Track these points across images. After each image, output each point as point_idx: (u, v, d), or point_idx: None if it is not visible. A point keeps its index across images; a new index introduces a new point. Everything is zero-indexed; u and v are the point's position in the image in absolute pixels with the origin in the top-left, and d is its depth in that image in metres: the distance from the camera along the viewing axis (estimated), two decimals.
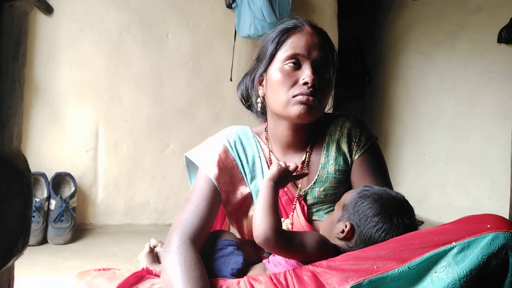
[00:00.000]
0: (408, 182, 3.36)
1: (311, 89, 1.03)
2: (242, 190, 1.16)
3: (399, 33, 3.62)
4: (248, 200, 1.17)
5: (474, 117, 2.98)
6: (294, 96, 1.04)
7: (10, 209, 0.38)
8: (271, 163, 1.17)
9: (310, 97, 1.03)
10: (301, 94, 1.04)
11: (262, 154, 1.18)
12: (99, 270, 1.05)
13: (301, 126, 1.12)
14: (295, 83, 1.05)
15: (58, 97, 2.35)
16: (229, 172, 1.16)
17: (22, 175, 0.39)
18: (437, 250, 0.79)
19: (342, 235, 0.98)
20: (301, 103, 1.04)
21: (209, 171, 1.13)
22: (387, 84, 3.70)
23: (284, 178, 1.05)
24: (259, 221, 0.96)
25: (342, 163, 1.13)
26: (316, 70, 1.05)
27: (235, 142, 1.19)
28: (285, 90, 1.05)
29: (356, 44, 4.08)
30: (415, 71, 3.40)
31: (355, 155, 1.13)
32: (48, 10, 2.27)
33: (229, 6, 2.59)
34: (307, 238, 0.96)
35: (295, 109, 1.05)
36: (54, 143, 2.34)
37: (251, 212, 1.18)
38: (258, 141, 1.20)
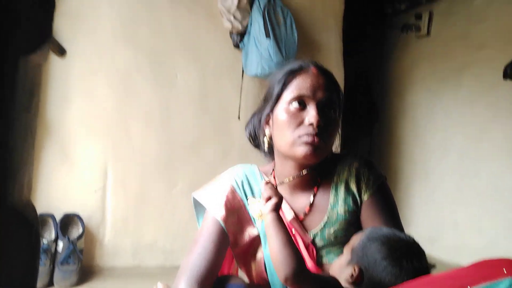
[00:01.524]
0: (418, 221, 3.30)
1: (316, 129, 1.04)
2: (250, 231, 1.15)
3: (404, 70, 3.66)
4: (256, 241, 1.15)
5: (483, 153, 2.96)
6: (299, 137, 1.04)
7: (18, 259, 0.38)
8: None
9: (315, 138, 1.04)
10: (307, 134, 1.04)
11: None
12: None
13: (307, 166, 1.11)
14: (300, 123, 1.05)
15: (68, 136, 2.38)
16: (237, 213, 1.15)
17: (31, 226, 0.39)
18: None
19: (351, 279, 0.95)
20: (307, 143, 1.04)
21: (216, 212, 1.12)
22: (394, 121, 3.70)
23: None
24: (279, 264, 0.94)
25: (351, 203, 1.11)
26: (321, 110, 1.06)
27: (242, 182, 1.18)
28: (290, 131, 1.06)
29: (362, 81, 4.13)
30: (422, 108, 3.42)
31: (364, 195, 1.11)
32: (61, 52, 2.34)
33: (236, 46, 2.66)
34: (327, 281, 0.96)
35: (301, 150, 1.05)
36: (63, 183, 2.35)
37: (259, 254, 1.16)
38: (265, 178, 1.19)
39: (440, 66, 3.30)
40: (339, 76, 2.99)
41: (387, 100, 3.86)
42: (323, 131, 1.05)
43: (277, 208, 1.01)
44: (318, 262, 1.11)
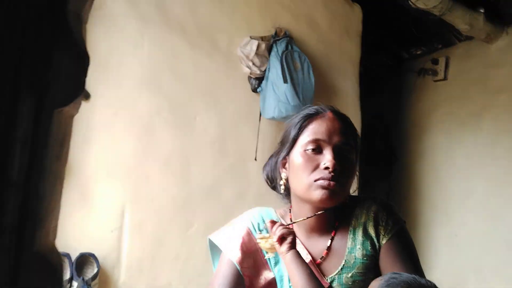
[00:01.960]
0: (441, 266, 3.19)
1: (332, 173, 1.04)
2: (266, 275, 1.13)
3: (422, 112, 3.67)
4: (272, 286, 1.13)
5: (507, 197, 2.89)
6: (316, 180, 1.05)
7: None
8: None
9: (331, 182, 1.04)
10: (322, 178, 1.05)
11: None
12: None
13: (325, 210, 1.11)
14: (316, 167, 1.06)
15: (88, 177, 2.42)
16: (253, 256, 1.14)
17: (55, 271, 0.40)
18: None
19: None
20: (323, 187, 1.04)
21: (232, 255, 1.12)
22: (413, 163, 3.67)
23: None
24: None
25: (369, 247, 1.09)
26: (337, 154, 1.06)
27: (258, 224, 1.18)
28: (306, 174, 1.07)
29: (380, 123, 4.14)
30: (441, 151, 3.39)
31: (382, 239, 1.09)
32: (86, 96, 2.42)
33: (254, 90, 2.72)
34: None
35: (317, 194, 1.05)
36: (81, 223, 2.37)
37: None
38: (282, 220, 1.19)
39: (459, 109, 3.30)
40: (356, 119, 3.01)
41: (405, 143, 3.84)
42: (339, 175, 1.05)
43: (294, 245, 1.02)
44: None
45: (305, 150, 1.09)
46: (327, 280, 1.09)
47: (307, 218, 1.11)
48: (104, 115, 2.48)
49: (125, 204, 2.46)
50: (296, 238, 1.15)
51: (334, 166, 1.04)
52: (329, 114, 1.13)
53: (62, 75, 0.39)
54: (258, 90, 2.70)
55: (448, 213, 3.24)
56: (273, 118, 2.58)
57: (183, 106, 2.62)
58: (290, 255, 1.01)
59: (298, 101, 2.53)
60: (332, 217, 1.14)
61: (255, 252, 1.14)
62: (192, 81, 2.65)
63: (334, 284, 1.09)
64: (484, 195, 3.00)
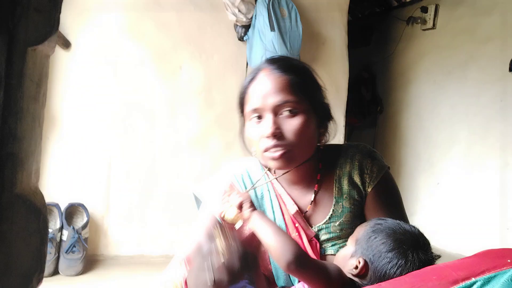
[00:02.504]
0: (423, 213, 3.30)
1: (274, 140, 1.00)
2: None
3: (409, 62, 3.65)
4: (255, 236, 1.15)
5: (489, 146, 2.95)
6: (264, 151, 1.02)
7: (26, 246, 0.39)
8: (279, 195, 1.16)
9: (277, 152, 1.01)
10: (267, 149, 1.01)
11: (271, 186, 1.17)
12: None
13: (299, 166, 1.08)
14: (262, 136, 1.02)
15: (73, 128, 2.40)
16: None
17: (39, 212, 0.40)
18: (457, 287, 0.77)
19: (356, 271, 0.95)
20: (272, 158, 1.02)
21: (213, 208, 1.13)
22: (399, 113, 3.70)
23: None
24: (277, 254, 0.94)
25: (356, 196, 1.11)
26: (277, 117, 1.01)
27: (242, 175, 1.18)
28: (257, 145, 1.04)
29: (367, 73, 4.12)
30: (427, 100, 3.41)
31: (368, 187, 1.10)
32: (66, 45, 2.35)
33: (240, 39, 2.65)
34: (329, 266, 0.96)
35: (271, 164, 1.04)
36: (68, 174, 2.37)
37: (262, 248, 1.16)
38: (267, 173, 1.18)
39: (446, 59, 3.29)
40: (344, 69, 2.99)
41: (392, 92, 3.85)
42: (285, 137, 1.01)
43: (254, 207, 1.00)
44: (323, 254, 1.11)
45: (250, 120, 1.06)
46: (314, 229, 1.12)
47: (286, 172, 1.11)
48: (85, 64, 2.42)
49: (112, 155, 2.45)
50: (281, 187, 1.16)
51: (273, 133, 0.99)
52: (262, 73, 1.05)
53: (33, 11, 0.37)
54: (244, 38, 2.64)
55: (431, 162, 3.31)
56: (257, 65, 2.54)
57: (167, 55, 2.56)
58: (253, 217, 0.99)
59: (286, 50, 2.48)
60: (314, 168, 1.13)
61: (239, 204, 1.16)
62: (176, 30, 2.57)
63: (322, 232, 1.11)
64: (467, 144, 3.05)
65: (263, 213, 1.00)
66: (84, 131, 2.42)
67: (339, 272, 0.95)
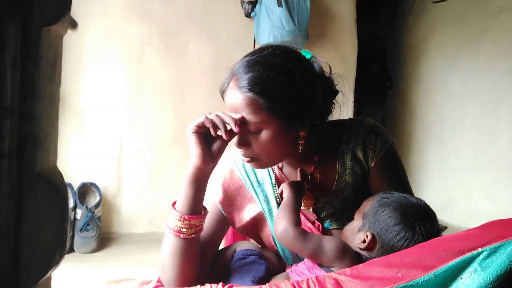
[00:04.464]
0: (432, 188, 3.30)
1: (242, 150, 1.02)
2: (252, 210, 1.16)
3: (420, 36, 3.58)
4: (259, 219, 1.16)
5: (500, 121, 2.92)
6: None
7: (49, 223, 0.40)
8: (280, 179, 1.17)
9: (245, 159, 1.03)
10: (243, 158, 1.03)
11: (271, 170, 1.18)
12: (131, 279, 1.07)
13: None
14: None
15: (83, 108, 2.42)
16: (237, 192, 1.16)
17: (60, 190, 0.41)
18: (463, 257, 0.78)
19: (364, 245, 0.97)
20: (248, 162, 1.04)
21: (214, 195, 1.14)
22: (409, 88, 3.66)
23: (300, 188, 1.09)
24: (279, 218, 1.00)
25: (359, 171, 1.11)
26: (244, 133, 1.00)
27: (243, 161, 1.19)
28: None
29: (376, 48, 4.06)
30: (438, 75, 3.36)
31: (371, 162, 1.10)
32: (73, 25, 2.34)
33: (248, 15, 2.62)
34: (326, 240, 0.98)
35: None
36: (80, 153, 2.41)
37: (266, 230, 1.17)
38: None
39: (457, 32, 3.22)
40: (353, 45, 2.95)
41: (401, 67, 3.80)
42: (253, 148, 1.00)
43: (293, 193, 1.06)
44: (328, 229, 1.13)
45: None
46: (318, 203, 1.12)
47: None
48: (93, 44, 2.42)
49: (122, 135, 2.47)
50: (281, 171, 1.18)
51: (239, 145, 1.01)
52: (231, 83, 1.01)
53: None
54: (251, 15, 2.61)
55: (441, 137, 3.29)
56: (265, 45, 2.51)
57: (174, 34, 2.55)
58: (287, 186, 1.08)
59: (294, 26, 2.45)
60: (311, 150, 1.13)
61: (238, 188, 1.16)
62: (182, 8, 2.55)
63: (326, 207, 1.12)
64: (478, 118, 3.02)
65: (295, 197, 1.05)
66: (94, 111, 2.44)
67: (340, 247, 0.96)
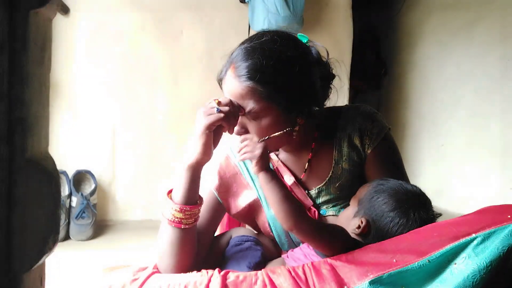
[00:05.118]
0: (426, 174, 3.32)
1: (242, 141, 1.01)
2: (247, 197, 1.16)
3: (414, 22, 3.57)
4: (255, 205, 1.17)
5: (494, 107, 2.93)
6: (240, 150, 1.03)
7: (41, 209, 0.40)
8: (277, 167, 1.16)
9: (246, 153, 1.01)
10: (240, 148, 1.01)
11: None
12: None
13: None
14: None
15: (76, 96, 2.40)
16: (233, 179, 1.17)
17: (51, 176, 0.41)
18: (457, 243, 0.79)
19: (358, 231, 0.97)
20: (246, 156, 1.02)
21: (209, 182, 1.15)
22: (404, 74, 3.65)
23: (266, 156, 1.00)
24: (281, 218, 0.95)
25: (355, 157, 1.11)
26: (243, 119, 1.01)
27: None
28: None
29: (371, 35, 4.04)
30: (433, 61, 3.35)
31: (368, 149, 1.11)
32: (65, 10, 2.31)
33: (242, 1, 2.59)
34: (333, 226, 0.98)
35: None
36: (74, 141, 2.39)
37: (262, 216, 1.18)
38: None
39: (452, 18, 3.21)
40: (348, 30, 2.93)
41: (396, 53, 3.79)
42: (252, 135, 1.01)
43: (263, 165, 0.97)
44: (324, 215, 1.13)
45: None
46: (315, 190, 1.13)
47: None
48: (85, 30, 2.39)
49: (115, 122, 2.46)
50: (277, 157, 1.17)
51: (238, 133, 1.01)
52: (229, 72, 1.01)
53: None
54: (246, 0, 2.58)
55: (436, 123, 3.30)
56: (262, 31, 2.49)
57: (168, 20, 2.51)
58: (261, 176, 0.98)
59: (289, 12, 2.43)
60: (309, 137, 1.13)
61: (234, 175, 1.17)
62: None
63: (322, 194, 1.13)
64: (472, 105, 3.03)
65: (273, 174, 0.99)
66: (87, 98, 2.42)
67: (344, 232, 0.97)
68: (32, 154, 0.40)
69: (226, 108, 0.96)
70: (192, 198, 1.02)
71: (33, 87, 0.39)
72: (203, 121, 0.97)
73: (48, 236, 0.40)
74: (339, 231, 0.97)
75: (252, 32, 2.61)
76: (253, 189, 1.16)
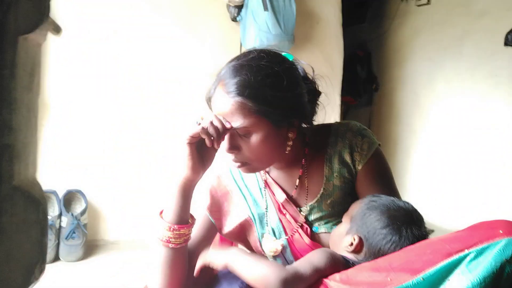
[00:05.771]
0: (418, 189, 3.33)
1: (232, 156, 1.02)
2: (239, 215, 1.16)
3: (404, 39, 3.62)
4: (247, 224, 1.16)
5: (484, 122, 2.96)
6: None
7: (27, 237, 0.39)
8: (268, 183, 1.16)
9: (235, 164, 1.03)
10: (232, 163, 1.03)
11: (258, 174, 1.18)
12: None
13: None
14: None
15: (68, 115, 2.38)
16: (224, 198, 1.17)
17: (39, 203, 0.40)
18: (451, 259, 0.78)
19: (351, 248, 0.97)
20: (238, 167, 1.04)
21: (201, 202, 1.14)
22: (395, 90, 3.69)
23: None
24: (260, 277, 0.93)
25: (346, 174, 1.11)
26: (233, 137, 1.00)
27: (230, 167, 1.19)
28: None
29: (362, 51, 4.09)
30: (423, 77, 3.40)
31: (358, 165, 1.10)
32: (57, 30, 2.30)
33: (234, 19, 2.62)
34: (314, 259, 0.94)
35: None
36: (64, 160, 2.37)
37: (253, 235, 1.17)
38: None
39: (441, 34, 3.27)
40: (339, 47, 2.96)
41: (387, 70, 3.84)
42: (243, 152, 1.01)
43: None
44: (316, 233, 1.12)
45: None
46: (306, 207, 1.12)
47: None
48: (71, 50, 2.39)
49: (107, 141, 2.45)
50: (268, 175, 1.17)
51: (229, 151, 1.00)
52: (218, 89, 1.00)
53: None
54: (238, 19, 2.60)
55: (427, 139, 3.32)
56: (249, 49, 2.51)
57: (159, 38, 2.53)
58: (228, 260, 0.99)
59: (280, 30, 2.46)
60: (299, 153, 1.12)
61: (225, 194, 1.17)
62: (168, 11, 2.53)
63: (314, 211, 1.12)
64: (462, 120, 3.06)
65: (234, 252, 1.00)
66: (77, 118, 2.40)
67: (329, 257, 0.95)
68: (19, 181, 0.39)
69: (206, 121, 0.96)
70: (182, 217, 1.01)
71: (21, 113, 0.39)
72: (183, 134, 0.97)
73: (34, 266, 0.39)
74: (325, 261, 0.94)
75: (244, 50, 2.62)
76: (245, 208, 1.15)
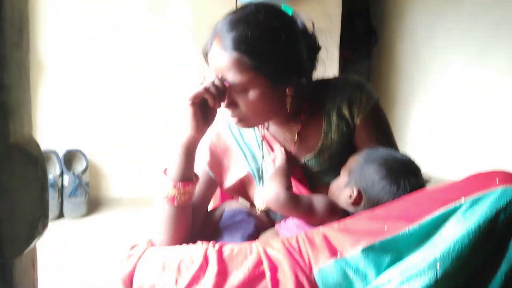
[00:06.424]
0: (417, 141, 3.35)
1: (230, 111, 1.04)
2: (239, 170, 1.18)
3: None
4: (247, 179, 1.18)
5: (484, 73, 2.93)
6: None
7: (28, 194, 0.40)
8: (267, 139, 1.17)
9: (233, 120, 1.05)
10: (230, 118, 1.05)
11: (257, 130, 1.18)
12: None
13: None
14: None
15: (65, 75, 2.36)
16: (224, 154, 1.18)
17: (37, 160, 0.40)
18: (447, 209, 0.80)
19: (350, 201, 0.99)
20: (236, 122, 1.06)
21: (201, 158, 1.15)
22: (394, 44, 3.63)
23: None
24: (270, 183, 1.01)
25: (345, 128, 1.12)
26: (230, 91, 1.00)
27: (229, 122, 1.19)
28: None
29: (361, 4, 3.98)
30: (422, 29, 3.33)
31: (357, 118, 1.11)
32: None
33: None
34: (316, 199, 1.00)
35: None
36: (63, 120, 2.37)
37: (253, 190, 1.19)
38: None
39: None
40: (337, 1, 2.88)
41: (386, 22, 3.75)
42: (241, 108, 1.02)
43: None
44: (315, 186, 1.14)
45: None
46: (303, 161, 1.14)
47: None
48: (68, 7, 2.33)
49: (107, 99, 2.43)
50: (267, 130, 1.18)
51: (227, 106, 1.02)
52: (214, 44, 1.00)
53: None
54: None
55: (426, 91, 3.30)
56: (249, 2, 2.44)
57: (161, 32, 2.46)
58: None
59: None
60: (297, 108, 1.13)
61: (225, 150, 1.18)
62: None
63: (314, 164, 1.14)
64: (462, 72, 3.03)
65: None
66: (73, 76, 2.38)
67: (329, 204, 0.98)
68: (15, 139, 0.39)
69: (208, 81, 0.96)
70: (186, 174, 1.03)
71: (12, 71, 0.38)
72: (187, 95, 0.98)
73: (36, 221, 0.40)
74: (322, 204, 0.99)
75: (240, 5, 2.54)
76: (245, 163, 1.17)
